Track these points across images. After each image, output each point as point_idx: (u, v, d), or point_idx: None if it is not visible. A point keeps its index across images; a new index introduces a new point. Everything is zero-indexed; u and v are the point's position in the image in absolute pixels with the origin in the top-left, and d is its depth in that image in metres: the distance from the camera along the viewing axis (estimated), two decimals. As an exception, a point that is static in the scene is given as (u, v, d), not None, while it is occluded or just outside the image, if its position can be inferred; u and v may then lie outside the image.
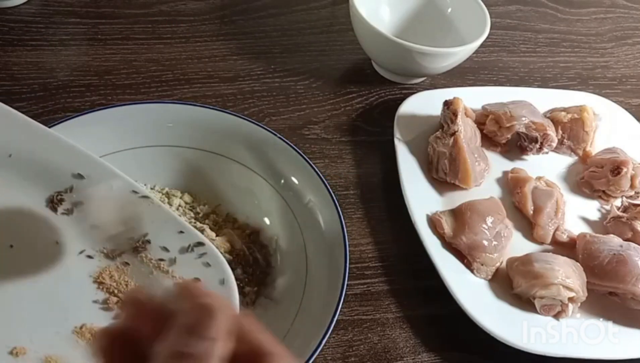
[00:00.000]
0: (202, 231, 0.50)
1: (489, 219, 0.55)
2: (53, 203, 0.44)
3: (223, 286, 0.43)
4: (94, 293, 0.43)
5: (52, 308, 0.42)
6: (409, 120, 0.63)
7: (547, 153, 0.65)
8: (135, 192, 0.45)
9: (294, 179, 0.53)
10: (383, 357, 0.49)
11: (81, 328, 0.41)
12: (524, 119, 0.63)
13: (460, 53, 0.64)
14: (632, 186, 0.61)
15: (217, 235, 0.51)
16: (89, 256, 0.44)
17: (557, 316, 0.51)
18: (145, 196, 0.45)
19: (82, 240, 0.44)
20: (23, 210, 0.43)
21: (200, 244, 0.44)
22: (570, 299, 0.50)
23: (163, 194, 0.54)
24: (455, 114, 0.59)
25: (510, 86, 0.75)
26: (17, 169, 0.43)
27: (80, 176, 0.44)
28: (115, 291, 0.43)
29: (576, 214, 0.62)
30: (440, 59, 0.64)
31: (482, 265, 0.53)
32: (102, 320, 0.42)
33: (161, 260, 0.44)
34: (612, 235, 0.57)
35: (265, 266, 0.51)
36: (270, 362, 0.23)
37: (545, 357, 0.48)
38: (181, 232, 0.44)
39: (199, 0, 0.77)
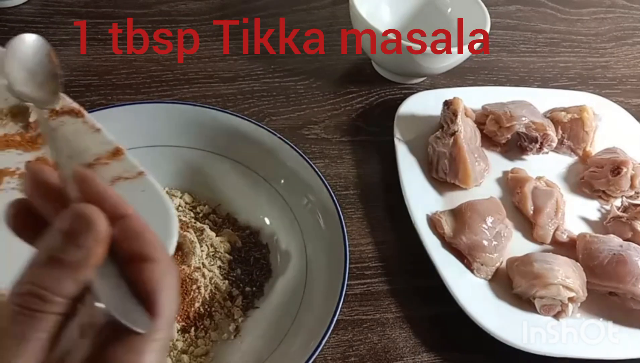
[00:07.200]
0: (202, 231, 0.50)
1: (489, 219, 0.55)
2: None
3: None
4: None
5: None
6: (409, 120, 0.63)
7: (547, 153, 0.65)
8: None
9: (294, 179, 0.53)
10: (383, 357, 0.49)
11: None
12: (524, 119, 0.63)
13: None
14: (632, 186, 0.61)
15: (217, 235, 0.51)
16: None
17: (557, 316, 0.51)
18: None
19: None
20: None
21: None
22: (570, 299, 0.50)
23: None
24: (455, 114, 0.59)
25: (510, 86, 0.75)
26: None
27: None
28: None
29: (576, 214, 0.62)
30: (440, 59, 0.64)
31: (482, 265, 0.53)
32: None
33: None
34: (612, 235, 0.57)
35: (265, 266, 0.51)
36: (153, 268, 0.23)
37: (545, 357, 0.48)
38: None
39: (199, 0, 0.77)
